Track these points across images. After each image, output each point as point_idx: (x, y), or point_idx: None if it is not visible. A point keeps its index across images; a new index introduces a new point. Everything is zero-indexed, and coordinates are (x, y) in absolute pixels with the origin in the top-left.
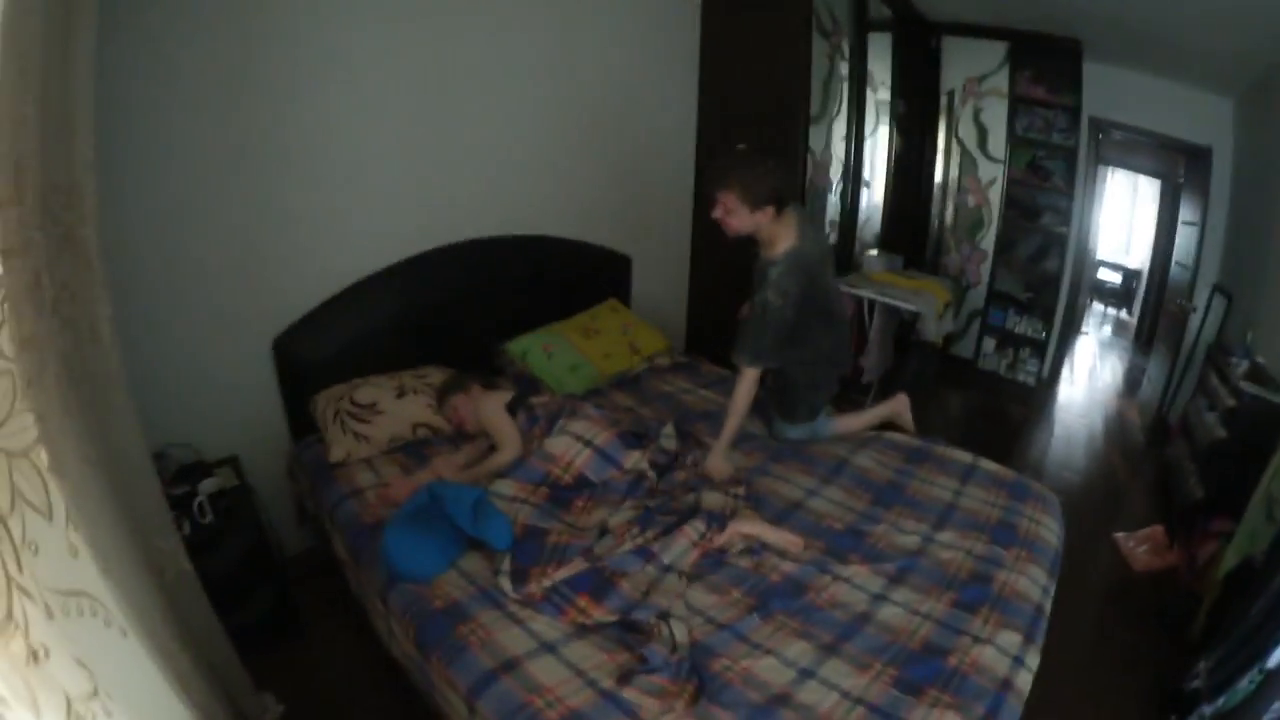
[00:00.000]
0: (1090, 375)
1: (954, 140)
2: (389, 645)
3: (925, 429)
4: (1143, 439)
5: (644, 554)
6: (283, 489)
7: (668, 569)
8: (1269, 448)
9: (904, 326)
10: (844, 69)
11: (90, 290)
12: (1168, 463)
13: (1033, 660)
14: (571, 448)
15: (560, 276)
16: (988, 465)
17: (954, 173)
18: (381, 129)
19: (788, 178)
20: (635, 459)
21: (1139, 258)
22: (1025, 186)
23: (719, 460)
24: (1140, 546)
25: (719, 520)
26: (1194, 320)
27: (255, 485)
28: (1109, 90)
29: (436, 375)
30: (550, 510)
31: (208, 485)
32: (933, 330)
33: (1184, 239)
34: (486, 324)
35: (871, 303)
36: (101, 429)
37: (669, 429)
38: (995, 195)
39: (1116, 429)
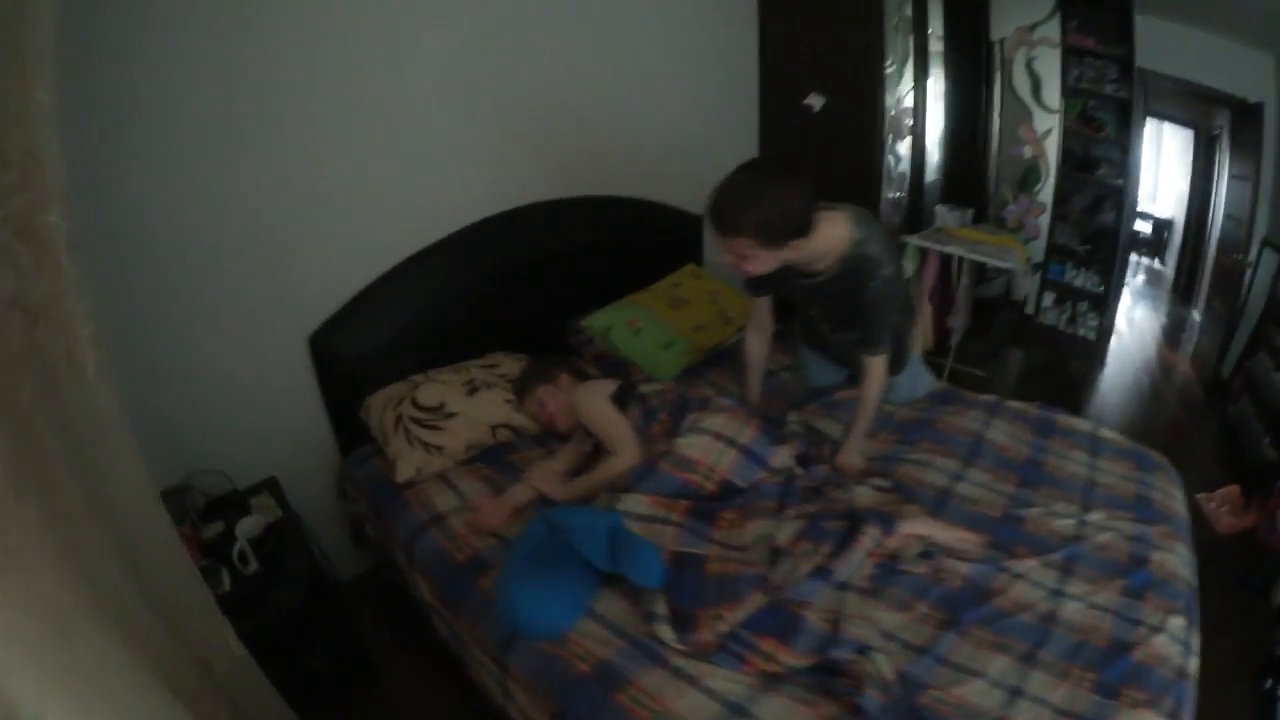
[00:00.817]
0: (1133, 327)
1: (1008, 90)
2: (503, 705)
3: (1003, 389)
4: (1202, 394)
5: (825, 575)
6: (332, 508)
7: (843, 587)
8: None
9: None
10: (907, 10)
11: (60, 303)
12: (1233, 421)
13: (1196, 644)
14: (712, 449)
15: (630, 240)
16: (1107, 434)
17: (1008, 123)
18: (423, 83)
19: (806, 191)
20: (784, 456)
21: (1168, 207)
22: (1079, 137)
23: (854, 454)
24: (1222, 507)
25: (889, 523)
26: (1247, 275)
27: (300, 509)
28: (1155, 42)
29: (509, 363)
30: (698, 529)
31: (247, 526)
32: (1024, 288)
33: (1232, 192)
34: (555, 299)
35: (959, 260)
36: (94, 497)
37: (794, 416)
38: (1051, 146)
39: (1175, 385)
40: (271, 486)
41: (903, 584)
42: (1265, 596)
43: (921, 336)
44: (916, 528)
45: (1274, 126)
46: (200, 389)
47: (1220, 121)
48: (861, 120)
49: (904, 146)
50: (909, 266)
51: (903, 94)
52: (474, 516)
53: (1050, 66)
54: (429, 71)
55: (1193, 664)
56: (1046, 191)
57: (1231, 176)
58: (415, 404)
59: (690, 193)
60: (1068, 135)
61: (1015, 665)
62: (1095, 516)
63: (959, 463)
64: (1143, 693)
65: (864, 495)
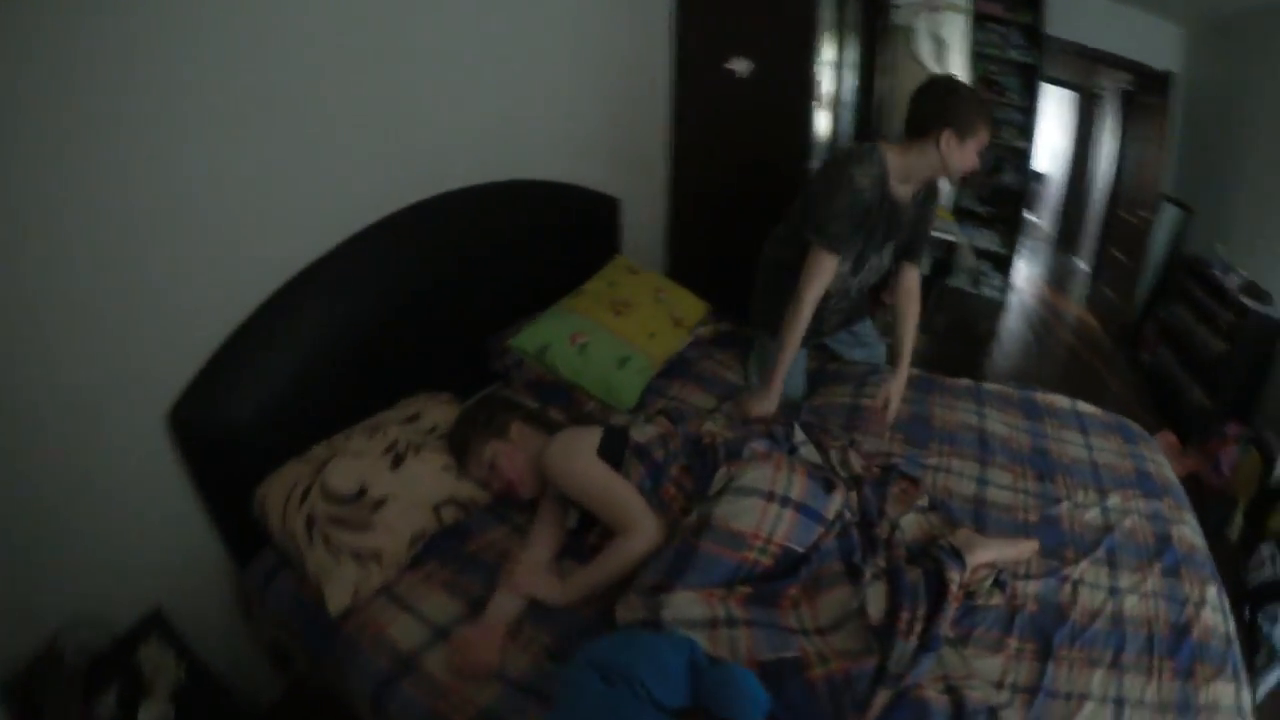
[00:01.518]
0: (1023, 280)
1: (908, 56)
2: None
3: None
4: (1109, 342)
5: (933, 645)
6: (236, 633)
7: (935, 646)
8: (1270, 359)
9: None
10: None
11: None
12: (1151, 369)
13: (1226, 606)
14: (766, 515)
15: (544, 232)
16: (1086, 408)
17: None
18: (292, 59)
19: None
20: (837, 503)
21: (1043, 163)
22: None
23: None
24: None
25: (959, 559)
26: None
27: (198, 643)
28: (1061, 8)
29: (435, 410)
30: (771, 622)
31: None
32: (968, 259)
33: (1133, 152)
34: (469, 316)
35: None
36: None
37: (798, 433)
38: None
39: (1082, 335)
40: (158, 624)
41: (985, 621)
42: (1220, 535)
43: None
44: (983, 556)
45: (1181, 94)
46: (47, 510)
47: (1105, 83)
48: (789, 88)
49: (822, 115)
50: None
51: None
52: (460, 656)
53: (955, 32)
54: (303, 48)
55: (1232, 629)
56: None
57: (1134, 138)
58: (328, 494)
59: (603, 171)
60: None
61: (1109, 676)
62: (1113, 501)
63: (976, 464)
64: (1209, 667)
65: (911, 524)
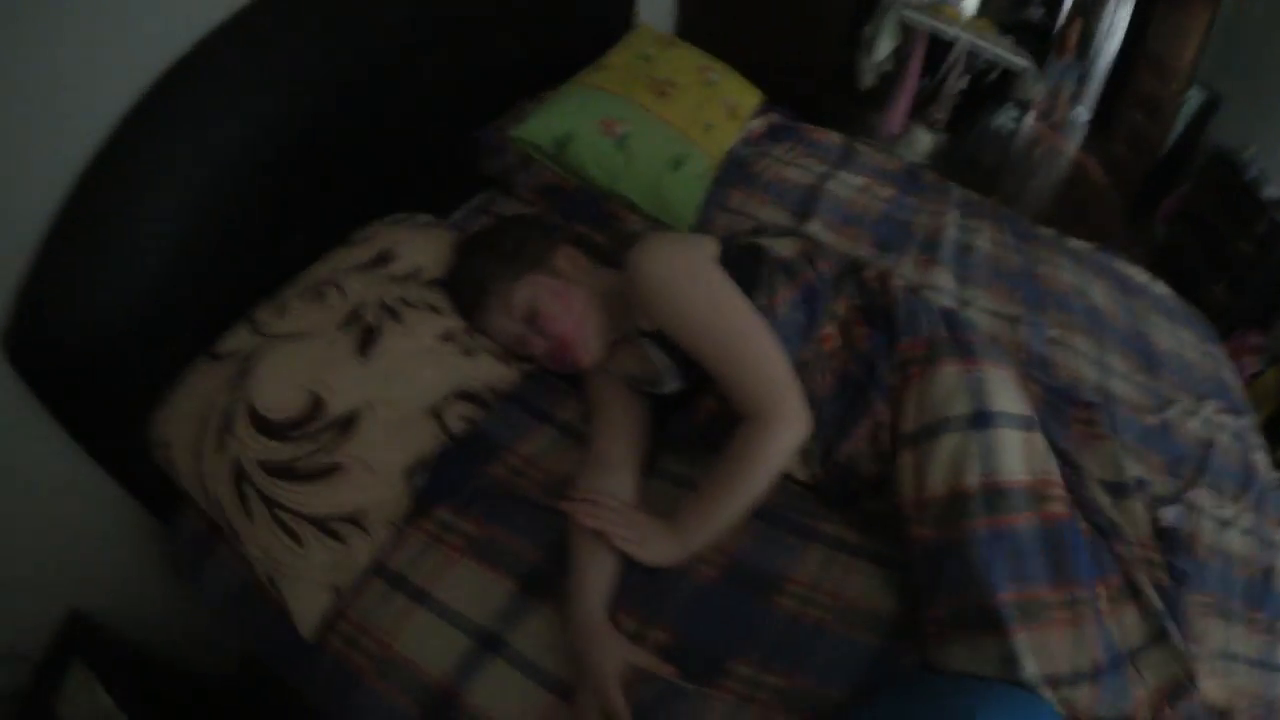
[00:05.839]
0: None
1: None
2: None
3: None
4: (1119, 201)
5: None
6: (169, 605)
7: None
8: None
9: None
10: None
11: None
12: (1167, 249)
13: None
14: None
15: None
16: (1163, 290)
17: None
18: None
19: None
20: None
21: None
22: None
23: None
24: None
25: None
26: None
27: (130, 616)
28: None
29: (416, 243)
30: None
31: None
32: (1034, 89)
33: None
34: (444, 103)
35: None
36: None
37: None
38: None
39: (1093, 189)
40: (77, 633)
41: (1212, 581)
42: None
43: None
44: None
45: None
46: None
47: None
48: None
49: None
50: (886, 45)
51: None
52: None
53: None
54: None
55: None
56: None
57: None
58: (261, 423)
59: None
60: None
61: (1219, 625)
62: (1208, 411)
63: (1094, 343)
64: None
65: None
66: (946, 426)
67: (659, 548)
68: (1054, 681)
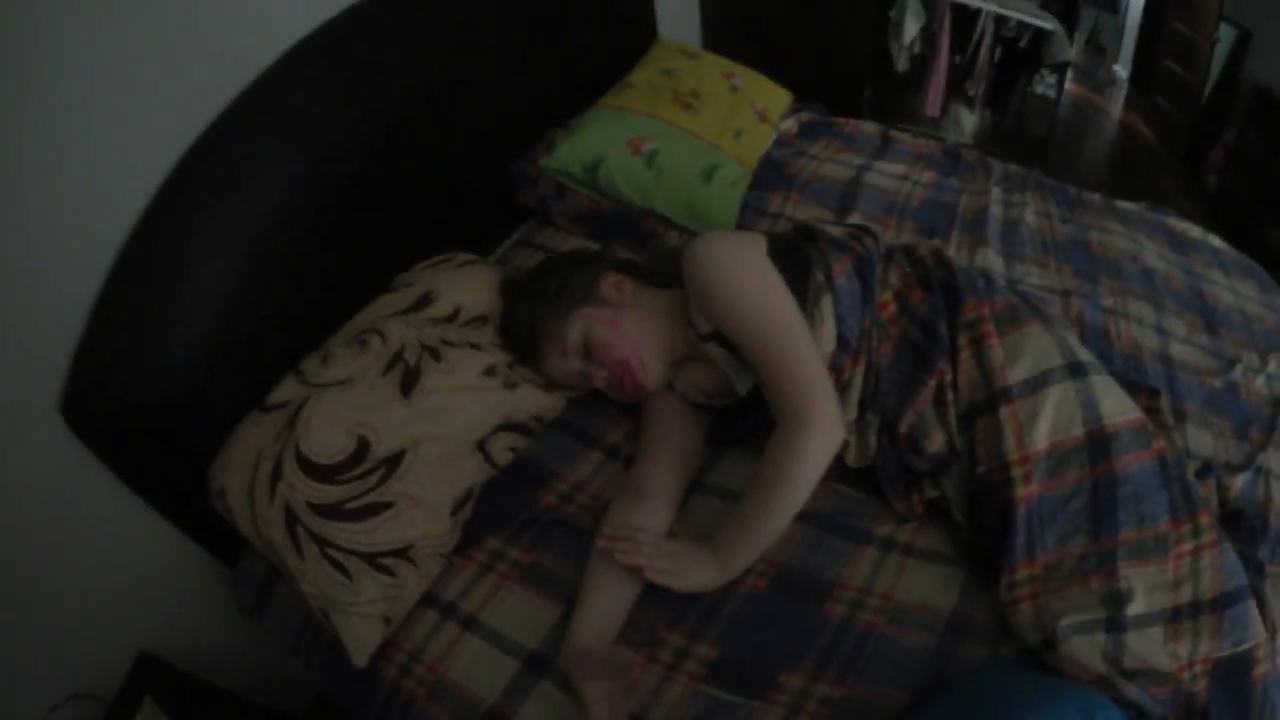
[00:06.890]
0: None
1: None
2: None
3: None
4: (1166, 156)
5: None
6: (245, 642)
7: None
8: None
9: None
10: None
11: None
12: (1220, 196)
13: None
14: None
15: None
16: (1217, 242)
17: None
18: None
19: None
20: None
21: None
22: None
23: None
24: None
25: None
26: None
27: (201, 656)
28: None
29: (455, 283)
30: None
31: None
32: (1066, 51)
33: None
34: (476, 139)
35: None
36: None
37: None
38: None
39: (1141, 145)
40: (147, 672)
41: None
42: None
43: None
44: None
45: None
46: None
47: None
48: None
49: None
50: (913, 25)
51: None
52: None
53: None
54: None
55: None
56: None
57: None
58: (308, 467)
59: None
60: None
61: None
62: (1273, 366)
63: (1151, 308)
64: None
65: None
66: (1052, 377)
67: (698, 575)
68: (1176, 614)
